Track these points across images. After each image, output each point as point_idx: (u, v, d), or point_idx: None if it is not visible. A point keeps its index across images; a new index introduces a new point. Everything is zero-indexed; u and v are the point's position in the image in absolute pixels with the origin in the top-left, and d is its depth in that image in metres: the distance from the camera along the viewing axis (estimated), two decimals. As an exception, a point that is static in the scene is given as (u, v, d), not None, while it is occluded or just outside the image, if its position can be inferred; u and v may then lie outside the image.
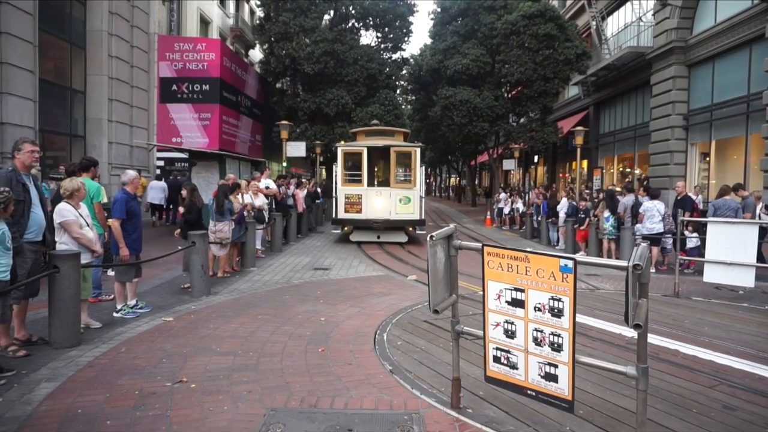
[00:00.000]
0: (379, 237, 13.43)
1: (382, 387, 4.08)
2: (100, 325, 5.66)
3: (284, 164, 19.92)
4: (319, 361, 4.66)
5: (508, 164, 25.35)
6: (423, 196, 13.54)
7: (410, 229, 13.27)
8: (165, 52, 18.67)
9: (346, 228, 13.32)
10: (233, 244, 9.35)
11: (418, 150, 13.52)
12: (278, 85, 25.43)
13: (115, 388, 3.97)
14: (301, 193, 15.64)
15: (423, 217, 13.43)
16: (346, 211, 13.28)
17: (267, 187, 12.45)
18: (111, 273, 7.46)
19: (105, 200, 7.00)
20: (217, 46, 19.46)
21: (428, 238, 3.30)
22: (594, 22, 23.39)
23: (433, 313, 3.39)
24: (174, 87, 18.81)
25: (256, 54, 30.68)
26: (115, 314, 6.16)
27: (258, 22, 24.85)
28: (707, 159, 17.65)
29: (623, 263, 2.57)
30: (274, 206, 12.54)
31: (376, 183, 15.00)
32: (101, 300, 6.84)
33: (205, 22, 24.67)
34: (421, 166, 13.40)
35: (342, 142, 12.74)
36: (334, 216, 13.43)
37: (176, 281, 8.31)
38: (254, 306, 6.72)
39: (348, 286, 8.24)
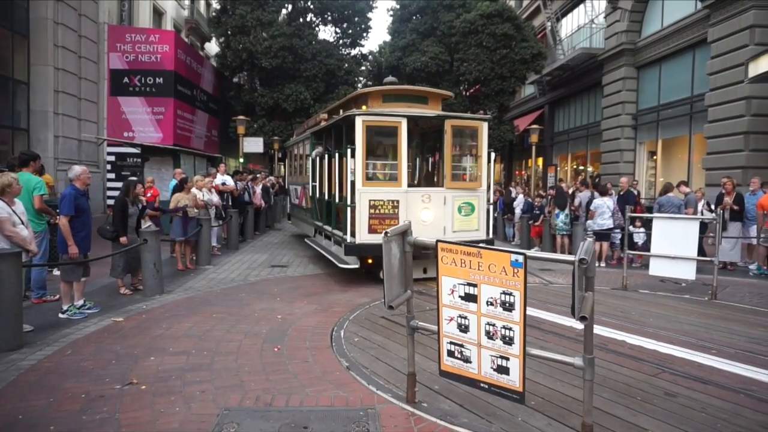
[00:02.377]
0: (426, 271, 8.17)
1: (339, 383, 4.08)
2: (32, 328, 5.38)
3: (241, 160, 19.56)
4: (275, 360, 4.61)
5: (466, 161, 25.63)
6: (491, 201, 8.93)
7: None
8: (116, 43, 17.97)
9: (371, 260, 7.88)
10: (186, 243, 9.13)
11: (486, 126, 8.59)
12: (235, 80, 24.90)
13: (60, 393, 3.81)
14: (259, 189, 15.41)
15: (491, 234, 8.72)
16: (372, 229, 7.67)
17: (223, 183, 12.20)
18: (56, 272, 7.16)
19: (47, 194, 6.70)
20: (171, 38, 18.88)
21: (383, 234, 3.32)
22: (549, 23, 23.97)
23: (388, 309, 3.42)
24: (125, 79, 18.14)
25: (212, 47, 29.96)
26: (61, 315, 5.92)
27: (214, 14, 24.27)
28: (654, 157, 18.40)
29: (571, 258, 2.66)
30: (230, 203, 12.30)
31: (418, 180, 10.33)
32: (46, 300, 6.56)
33: (158, 13, 23.90)
34: (490, 150, 8.61)
35: (363, 108, 7.85)
36: (346, 237, 7.87)
37: (127, 280, 8.04)
38: (209, 304, 6.59)
39: (306, 282, 8.18)
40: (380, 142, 9.13)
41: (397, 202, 7.78)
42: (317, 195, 10.23)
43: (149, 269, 6.96)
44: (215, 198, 10.74)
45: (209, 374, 4.23)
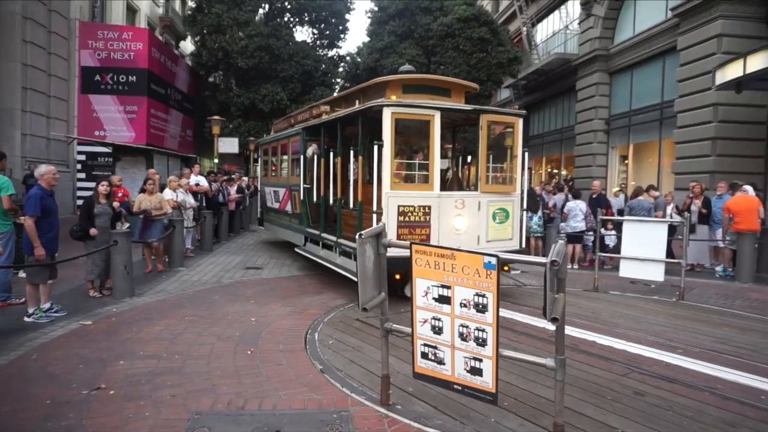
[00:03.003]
0: None
1: (313, 386, 4.05)
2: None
3: (216, 160, 19.33)
4: (248, 363, 4.56)
5: (443, 164, 25.82)
6: (525, 207, 7.96)
7: (506, 267, 8.05)
8: (87, 39, 17.59)
9: (398, 276, 6.69)
10: (147, 245, 8.88)
11: (521, 122, 7.76)
12: (211, 79, 24.60)
13: (24, 399, 3.70)
14: (234, 190, 15.24)
15: (524, 244, 7.92)
16: (401, 239, 6.53)
17: (197, 184, 12.03)
18: (22, 274, 6.95)
19: (14, 193, 6.50)
20: (144, 35, 18.58)
21: (357, 236, 3.31)
22: (525, 28, 24.29)
23: (362, 311, 3.41)
24: (97, 77, 17.77)
25: (188, 46, 29.54)
26: (26, 319, 5.75)
27: (189, 12, 23.89)
28: (626, 161, 18.79)
29: (542, 260, 2.69)
30: (204, 204, 12.13)
31: (447, 183, 8.77)
32: (11, 304, 6.37)
33: (132, 11, 23.48)
34: (524, 150, 7.78)
35: (393, 98, 6.73)
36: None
37: (97, 283, 7.85)
38: (181, 307, 6.48)
39: (280, 285, 8.12)
40: (408, 139, 8.18)
41: (429, 208, 6.71)
42: (311, 199, 9.16)
43: (119, 271, 6.81)
44: (191, 199, 10.57)
45: (180, 378, 4.16)
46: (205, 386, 4.01)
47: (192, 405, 3.66)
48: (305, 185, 9.15)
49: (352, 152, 7.42)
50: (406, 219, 6.66)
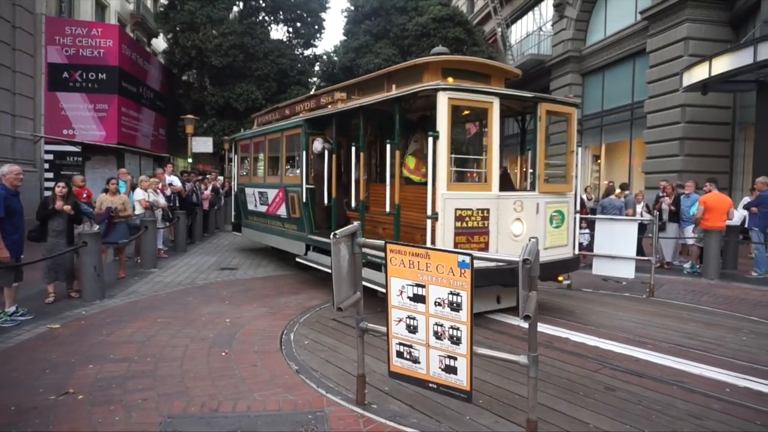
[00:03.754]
0: (500, 300, 6.35)
1: (288, 387, 4.02)
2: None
3: (190, 160, 19.04)
4: (223, 364, 4.51)
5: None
6: (578, 209, 7.10)
7: (560, 278, 7.08)
8: (54, 35, 17.11)
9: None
10: (119, 249, 8.48)
11: (576, 113, 7.10)
12: (184, 78, 24.22)
13: (-12, 405, 3.59)
14: (208, 190, 15.05)
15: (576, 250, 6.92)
16: (458, 248, 5.64)
17: (171, 184, 11.83)
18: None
19: None
20: (115, 32, 18.16)
21: (331, 236, 3.30)
22: (499, 29, 24.56)
23: (337, 311, 3.40)
24: (65, 74, 17.30)
25: (160, 43, 29.02)
26: (-10, 323, 5.58)
27: (161, 9, 23.49)
28: (598, 161, 19.16)
29: (515, 258, 2.72)
30: (177, 204, 11.94)
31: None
32: (-26, 307, 6.16)
33: (101, 6, 22.94)
34: (578, 145, 7.03)
35: (450, 80, 5.98)
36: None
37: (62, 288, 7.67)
38: (154, 309, 6.36)
39: (256, 285, 8.04)
40: (458, 130, 7.63)
41: (487, 211, 5.77)
42: (314, 201, 8.05)
43: (89, 273, 6.66)
44: (162, 200, 10.39)
45: (152, 381, 4.08)
46: (178, 389, 3.94)
47: (164, 408, 3.60)
48: (308, 185, 8.00)
49: (388, 146, 6.17)
50: (464, 225, 5.63)
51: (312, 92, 8.60)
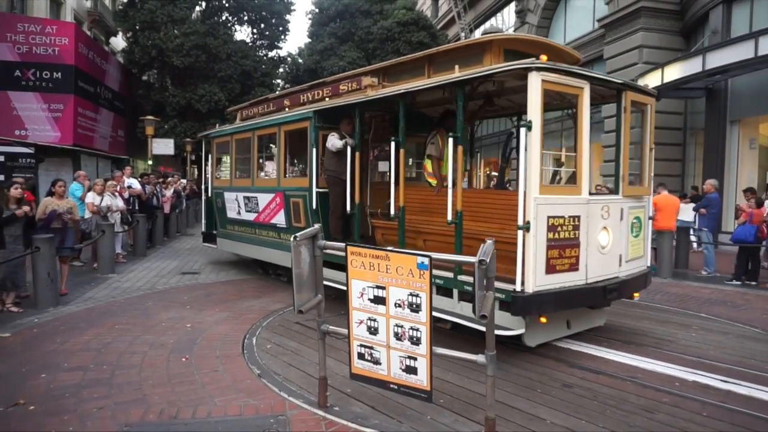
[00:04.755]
0: (570, 325, 5.43)
1: (250, 392, 3.99)
2: None
3: (150, 162, 18.59)
4: (183, 370, 4.43)
5: (383, 166, 26.06)
6: (652, 214, 6.38)
7: (636, 295, 5.81)
8: (5, 32, 16.47)
9: (544, 319, 4.78)
10: (61, 260, 7.36)
11: (654, 104, 6.11)
12: (144, 78, 23.68)
13: (-70, 418, 3.43)
14: (170, 193, 14.73)
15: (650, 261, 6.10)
16: (551, 267, 4.58)
17: (130, 187, 11.54)
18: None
19: None
20: (71, 30, 17.61)
21: (292, 239, 3.30)
22: (463, 34, 24.91)
23: (298, 314, 3.40)
24: (17, 72, 16.67)
25: (119, 42, 28.28)
26: (-66, 332, 5.32)
27: (120, 7, 22.91)
28: (560, 164, 19.64)
29: (472, 259, 2.78)
30: (137, 207, 11.64)
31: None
32: None
33: (56, 3, 22.19)
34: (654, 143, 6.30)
35: (544, 58, 4.52)
36: (512, 285, 4.49)
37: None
38: (111, 315, 6.20)
39: (218, 290, 7.92)
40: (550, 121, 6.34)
41: (578, 219, 4.74)
42: (325, 208, 6.96)
43: (43, 279, 6.43)
44: (119, 203, 10.10)
45: (108, 389, 3.98)
46: (136, 396, 3.86)
47: (121, 417, 3.51)
48: (319, 189, 6.93)
49: (450, 143, 5.10)
50: (556, 236, 4.55)
51: (378, 64, 6.90)
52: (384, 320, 3.22)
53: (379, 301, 3.21)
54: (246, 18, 24.12)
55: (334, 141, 6.72)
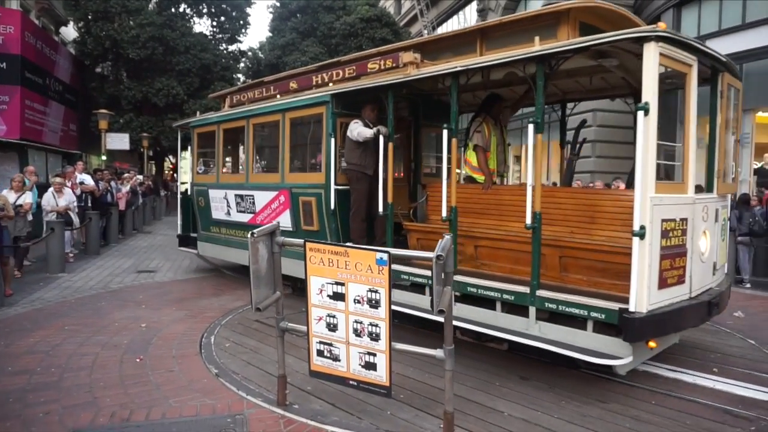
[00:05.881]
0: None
1: (206, 391, 3.90)
2: None
3: (104, 157, 17.94)
4: (136, 371, 4.30)
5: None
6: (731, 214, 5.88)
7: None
8: (-56, 19, 15.59)
9: (654, 344, 3.93)
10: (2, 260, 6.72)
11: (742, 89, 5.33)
12: (98, 70, 22.78)
13: None
14: (126, 189, 14.27)
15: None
16: (664, 282, 3.83)
17: (82, 183, 11.10)
18: None
19: None
20: (16, 18, 16.76)
21: (249, 235, 3.24)
22: (426, 31, 25.02)
23: (256, 312, 3.35)
24: (-42, 62, 15.80)
25: (70, 32, 27.13)
26: None
27: (72, -5, 22.00)
28: (520, 161, 20.01)
29: (429, 254, 2.79)
30: (89, 204, 11.21)
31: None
32: None
33: (1, -10, 21.14)
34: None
35: (662, 26, 3.60)
36: (626, 304, 3.69)
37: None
38: (61, 316, 5.95)
39: (176, 288, 7.72)
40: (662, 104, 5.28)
41: (686, 222, 4.07)
42: (343, 208, 6.10)
43: (-15, 279, 6.12)
44: (62, 202, 9.59)
45: (56, 393, 3.82)
46: (86, 400, 3.72)
47: (69, 421, 3.38)
48: (338, 186, 6.05)
49: (531, 129, 4.25)
50: (668, 243, 3.88)
51: (413, 39, 6.14)
52: (343, 317, 3.20)
53: (338, 297, 3.19)
54: (205, 10, 23.54)
55: (360, 129, 5.79)
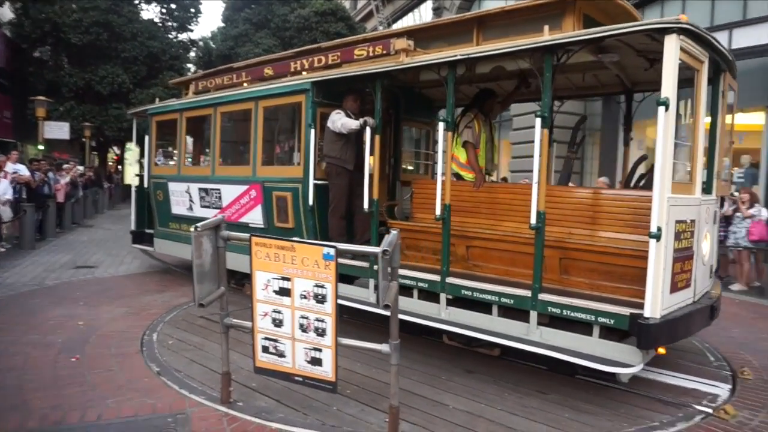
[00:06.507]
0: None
1: (147, 390, 3.78)
2: None
3: (41, 147, 17.03)
4: (72, 371, 4.11)
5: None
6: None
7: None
8: None
9: (663, 350, 3.95)
10: None
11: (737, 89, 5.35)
12: (36, 54, 21.59)
13: None
14: (65, 181, 13.60)
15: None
16: (675, 285, 3.73)
17: (16, 173, 10.50)
18: None
19: None
20: (-56, -4, 15.68)
21: (192, 229, 3.15)
22: (381, 28, 25.04)
23: (199, 307, 3.26)
24: None
25: (5, 13, 25.59)
26: None
27: (7, -25, 20.73)
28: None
29: (375, 249, 2.80)
30: (24, 196, 10.63)
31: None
32: None
33: (-74, -36, 19.69)
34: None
35: (684, 18, 3.46)
36: (641, 309, 3.49)
37: None
38: (-11, 314, 5.62)
39: (117, 284, 7.43)
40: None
41: (694, 224, 3.99)
42: (322, 204, 5.69)
43: None
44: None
45: (-19, 395, 3.61)
46: (14, 402, 3.52)
47: (-5, 424, 3.20)
48: (317, 181, 5.62)
49: (539, 123, 3.98)
50: (679, 245, 3.76)
51: (407, 25, 5.88)
52: (289, 312, 3.16)
53: (284, 292, 3.15)
54: (154, -4, 22.76)
55: (344, 120, 5.40)
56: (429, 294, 4.66)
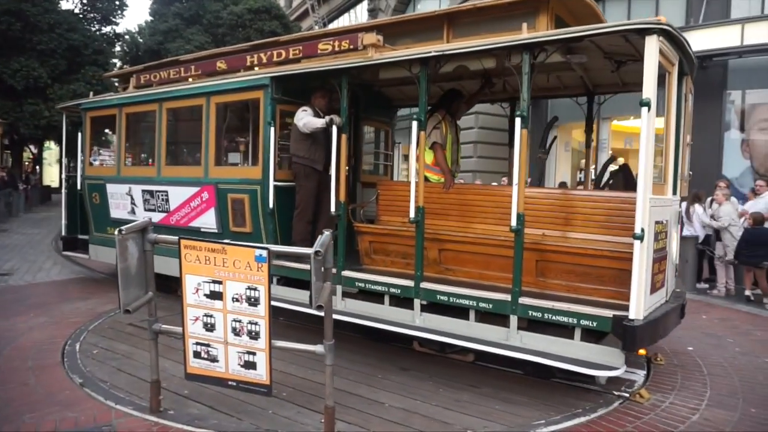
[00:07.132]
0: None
1: (68, 403, 3.59)
2: None
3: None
4: (-18, 387, 3.83)
5: (233, 158, 25.11)
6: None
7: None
8: None
9: (644, 352, 4.20)
10: None
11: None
12: (-62, 44, 19.86)
13: None
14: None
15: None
16: (653, 286, 3.86)
17: None
18: None
19: None
20: None
21: (116, 232, 3.02)
22: (316, 27, 24.88)
23: (125, 314, 3.14)
24: None
25: None
26: None
27: None
28: (408, 160, 20.64)
29: (308, 250, 2.80)
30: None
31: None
32: None
33: None
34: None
35: (663, 19, 3.55)
36: (626, 313, 3.50)
37: None
38: None
39: (35, 292, 6.98)
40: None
41: (668, 224, 4.10)
42: (284, 206, 5.40)
43: None
44: None
45: None
46: None
47: None
48: (278, 182, 5.32)
49: (518, 123, 3.94)
50: (657, 246, 3.82)
51: (375, 20, 5.37)
52: (221, 316, 3.10)
53: (215, 296, 3.09)
54: (73, -14, 21.47)
55: (308, 119, 5.21)
56: (401, 300, 4.54)
